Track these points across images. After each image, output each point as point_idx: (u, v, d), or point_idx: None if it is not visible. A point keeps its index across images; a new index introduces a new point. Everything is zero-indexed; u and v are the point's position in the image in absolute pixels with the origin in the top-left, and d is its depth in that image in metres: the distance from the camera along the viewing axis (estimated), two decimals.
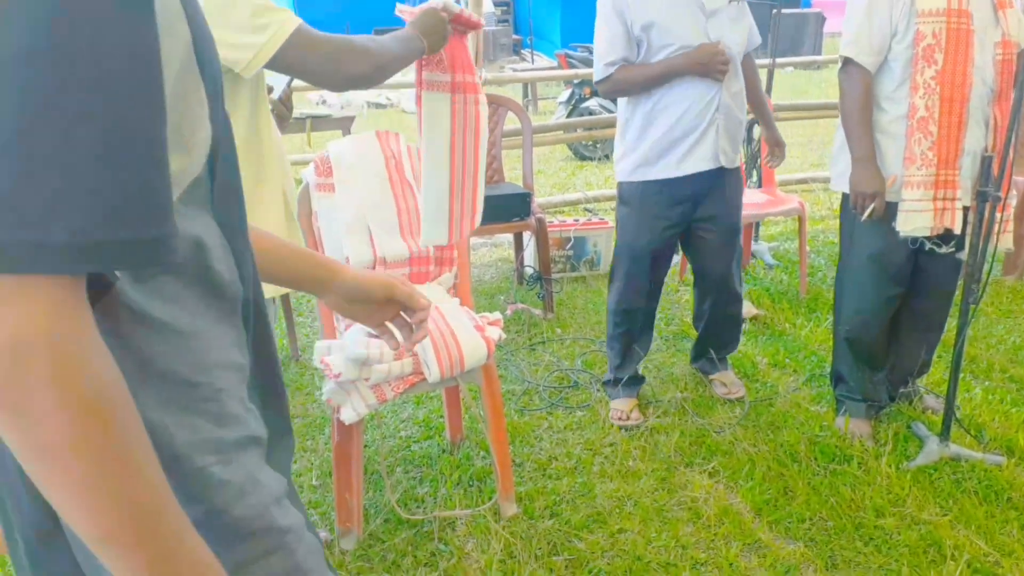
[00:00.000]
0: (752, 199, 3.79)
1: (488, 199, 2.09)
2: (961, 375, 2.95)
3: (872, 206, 2.30)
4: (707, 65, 2.39)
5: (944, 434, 2.45)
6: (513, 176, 4.14)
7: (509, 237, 4.56)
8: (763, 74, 3.35)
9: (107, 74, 0.50)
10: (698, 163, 2.51)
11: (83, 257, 0.51)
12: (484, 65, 6.45)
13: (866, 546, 2.08)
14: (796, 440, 2.56)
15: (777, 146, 3.00)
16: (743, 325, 3.12)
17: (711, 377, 2.93)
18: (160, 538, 0.57)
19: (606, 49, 2.49)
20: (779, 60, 5.02)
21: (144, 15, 0.53)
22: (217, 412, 0.70)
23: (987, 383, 2.91)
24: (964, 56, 2.18)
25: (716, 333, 2.87)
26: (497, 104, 3.84)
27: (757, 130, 3.11)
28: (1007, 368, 3.03)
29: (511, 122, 4.16)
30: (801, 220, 3.83)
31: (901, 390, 2.76)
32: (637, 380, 2.82)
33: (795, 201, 3.86)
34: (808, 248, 4.20)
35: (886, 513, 2.20)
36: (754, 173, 4.17)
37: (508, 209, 3.59)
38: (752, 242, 4.35)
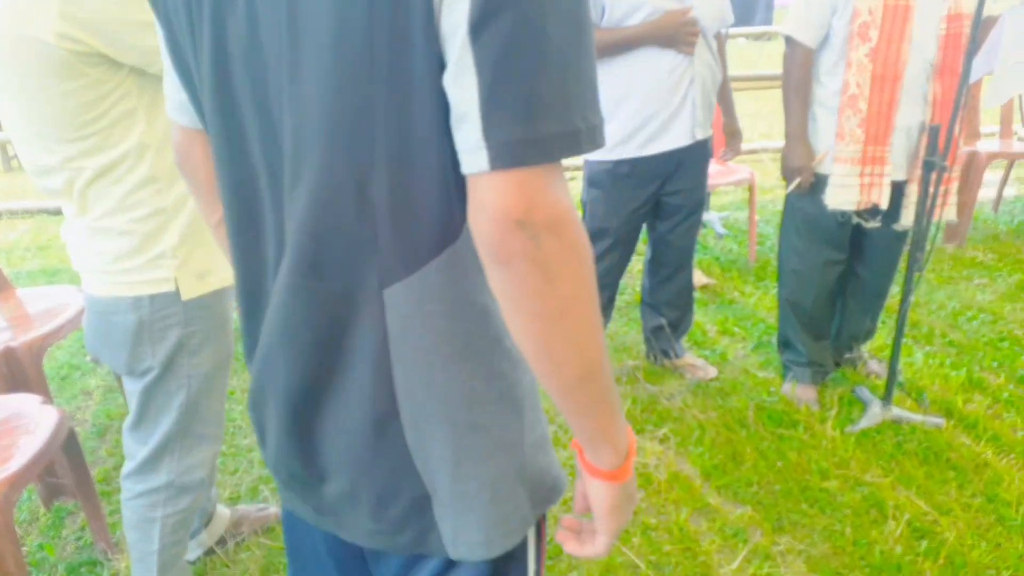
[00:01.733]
0: None
1: None
2: (904, 340, 3.04)
3: (798, 180, 2.36)
4: (673, 36, 2.28)
5: (887, 398, 2.51)
6: None
7: None
8: None
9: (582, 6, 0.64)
10: (674, 140, 2.42)
11: (589, 138, 0.63)
12: None
13: (811, 507, 2.13)
14: (744, 406, 2.61)
15: (733, 137, 2.94)
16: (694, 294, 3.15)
17: (677, 363, 2.87)
18: (607, 370, 0.71)
19: None
20: (730, 31, 5.03)
21: None
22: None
23: (928, 348, 3.00)
24: (900, 33, 2.20)
25: (675, 305, 2.80)
26: None
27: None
28: (947, 333, 3.12)
29: None
30: (751, 189, 3.87)
31: (846, 355, 2.83)
32: None
33: (745, 171, 3.90)
34: (758, 217, 4.26)
35: (830, 475, 2.26)
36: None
37: None
38: (703, 212, 4.38)
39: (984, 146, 4.15)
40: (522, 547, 0.84)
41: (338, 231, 0.69)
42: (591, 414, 0.72)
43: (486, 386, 0.75)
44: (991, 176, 4.93)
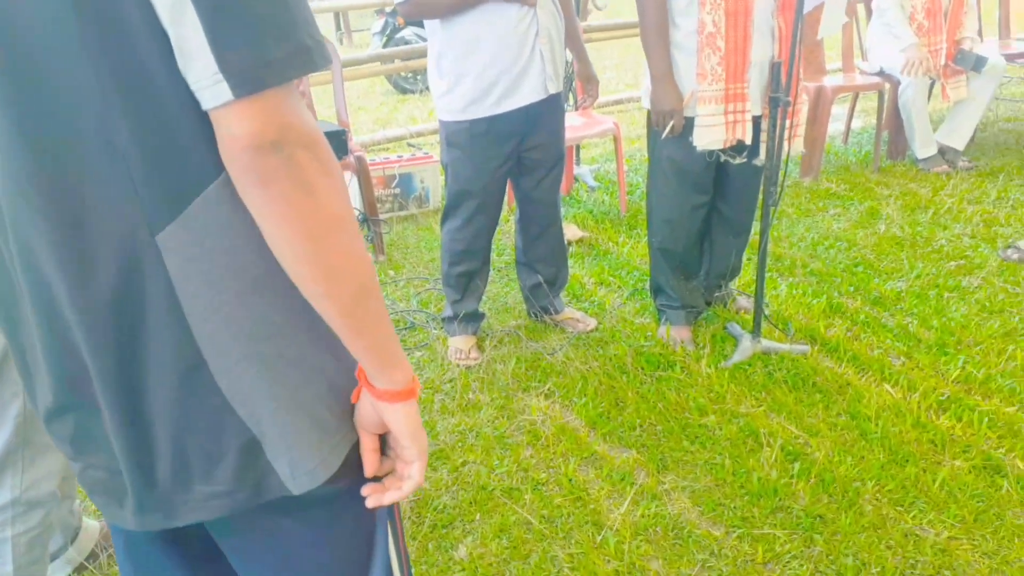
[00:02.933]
0: (569, 123, 3.81)
1: None
2: (767, 274, 3.17)
3: (671, 123, 2.38)
4: None
5: (755, 331, 2.62)
6: (327, 115, 3.94)
7: None
8: None
9: None
10: (527, 95, 2.39)
11: (319, 55, 0.66)
12: None
13: (692, 444, 2.21)
14: (623, 353, 2.66)
15: (589, 82, 2.96)
16: (569, 248, 3.17)
17: (558, 318, 2.89)
18: (377, 288, 0.74)
19: None
20: None
21: None
22: None
23: (791, 279, 3.14)
24: None
25: (549, 261, 2.81)
26: None
27: (569, 53, 3.11)
28: (807, 263, 3.27)
29: None
30: (617, 140, 3.91)
31: (716, 294, 2.93)
32: (476, 316, 2.78)
33: (610, 122, 3.93)
34: (626, 167, 4.33)
35: (708, 411, 2.34)
36: (570, 97, 4.20)
37: None
38: (574, 166, 4.42)
39: (829, 81, 4.35)
40: (353, 458, 0.84)
41: (94, 186, 0.67)
42: (374, 331, 0.74)
43: (288, 316, 0.74)
44: (839, 110, 5.19)
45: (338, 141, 3.42)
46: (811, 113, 4.22)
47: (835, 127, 5.28)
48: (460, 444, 2.27)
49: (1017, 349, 2.54)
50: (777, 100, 2.32)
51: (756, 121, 2.46)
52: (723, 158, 2.49)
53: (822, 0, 2.20)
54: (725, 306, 2.95)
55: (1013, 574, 1.73)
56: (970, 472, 2.03)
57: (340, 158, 3.46)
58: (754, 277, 3.00)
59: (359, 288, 0.71)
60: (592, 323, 2.88)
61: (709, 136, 2.40)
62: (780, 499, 1.98)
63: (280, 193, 0.64)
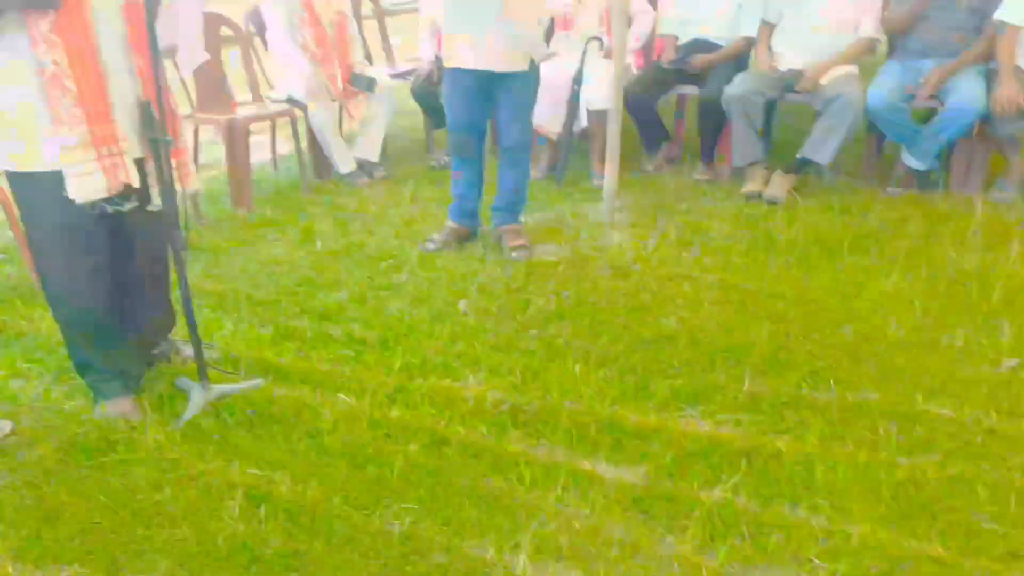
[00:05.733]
0: None
1: None
2: (212, 314, 3.01)
3: None
4: None
5: (203, 379, 2.43)
6: None
7: None
8: None
9: None
10: None
11: None
12: None
13: (148, 529, 1.92)
14: (48, 453, 2.22)
15: None
16: None
17: None
18: None
19: None
20: None
21: None
22: None
23: (236, 315, 3.02)
24: (78, 3, 2.02)
25: None
26: None
27: None
28: (252, 294, 3.19)
29: None
30: (6, 205, 3.31)
31: (155, 351, 2.66)
32: None
33: None
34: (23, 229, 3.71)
35: (163, 484, 2.08)
36: None
37: None
38: None
39: (241, 112, 4.35)
40: None
41: None
42: None
43: None
44: (264, 139, 5.24)
45: None
46: (228, 147, 4.18)
47: (264, 155, 5.34)
48: None
49: (443, 328, 2.81)
50: (156, 141, 2.15)
51: (140, 163, 2.25)
52: (111, 208, 2.23)
53: (174, 40, 2.08)
54: (170, 361, 2.70)
55: (458, 543, 1.87)
56: (421, 452, 2.15)
57: None
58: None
59: None
60: (7, 426, 2.37)
61: (88, 186, 2.13)
62: (252, 551, 1.84)
63: None
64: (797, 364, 2.47)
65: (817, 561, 1.73)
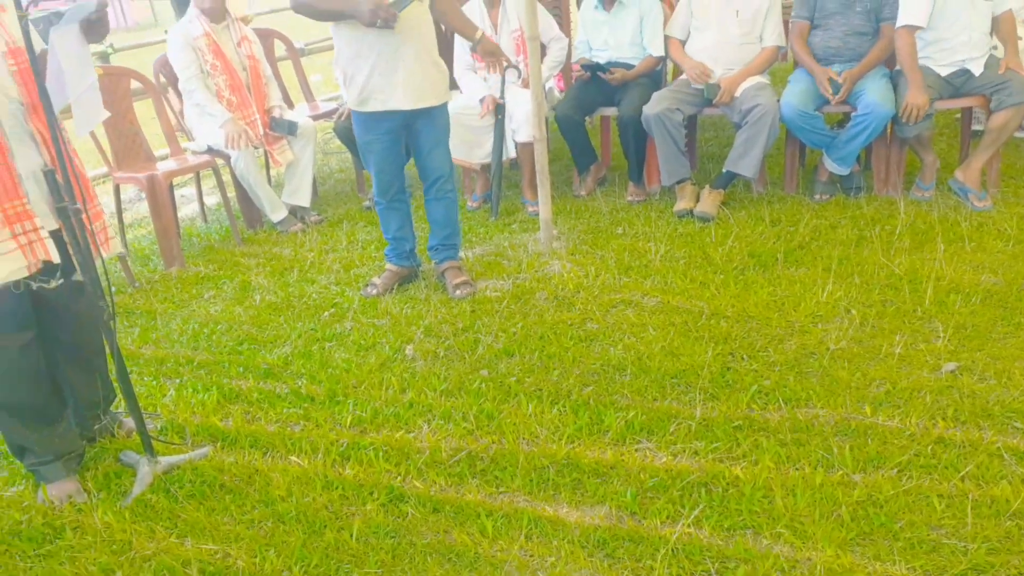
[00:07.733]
0: None
1: None
2: (153, 380, 2.92)
3: None
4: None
5: (148, 452, 2.36)
6: None
7: None
8: None
9: None
10: None
11: None
12: None
13: None
14: None
15: None
16: None
17: None
18: None
19: None
20: None
21: None
22: None
23: (178, 380, 2.94)
24: None
25: None
26: None
27: None
28: (192, 358, 3.10)
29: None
30: None
31: (96, 426, 2.56)
32: None
33: None
34: None
35: (114, 569, 2.00)
36: None
37: None
38: None
39: (161, 167, 4.25)
40: None
41: None
42: None
43: None
44: (190, 191, 5.14)
45: None
46: (151, 204, 4.07)
47: (193, 208, 5.23)
48: None
49: (391, 376, 2.78)
50: (66, 210, 2.08)
51: (58, 236, 2.18)
52: (35, 285, 2.16)
53: (66, 97, 2.01)
54: (113, 435, 2.61)
55: None
56: (379, 511, 2.12)
57: None
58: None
59: None
60: None
61: (8, 266, 2.07)
62: None
63: None
64: (744, 385, 2.51)
65: None
